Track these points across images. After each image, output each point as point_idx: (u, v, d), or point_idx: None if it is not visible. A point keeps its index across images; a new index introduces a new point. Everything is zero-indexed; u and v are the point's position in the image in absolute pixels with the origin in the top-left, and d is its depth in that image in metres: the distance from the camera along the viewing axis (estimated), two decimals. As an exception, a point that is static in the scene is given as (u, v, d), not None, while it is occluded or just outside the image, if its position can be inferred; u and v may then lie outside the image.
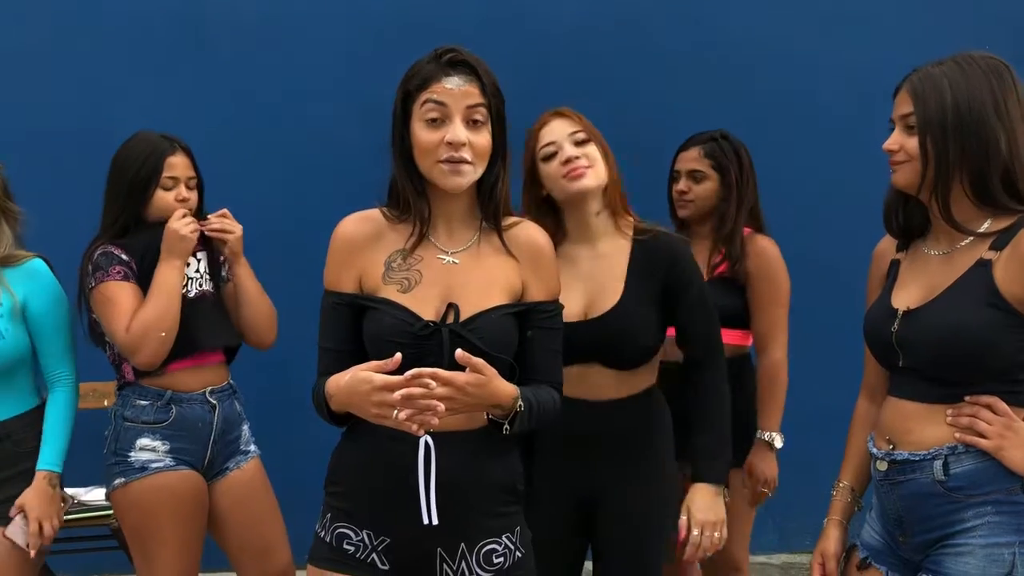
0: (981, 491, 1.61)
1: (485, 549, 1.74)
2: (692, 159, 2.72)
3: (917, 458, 1.66)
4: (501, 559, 1.76)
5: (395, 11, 3.93)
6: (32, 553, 2.26)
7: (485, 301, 1.74)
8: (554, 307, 1.84)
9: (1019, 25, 4.00)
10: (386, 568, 1.73)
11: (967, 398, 1.62)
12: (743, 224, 2.69)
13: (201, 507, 2.41)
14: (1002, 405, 1.60)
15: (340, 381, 1.66)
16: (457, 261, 1.77)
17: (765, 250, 2.66)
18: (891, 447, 1.70)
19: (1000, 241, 1.61)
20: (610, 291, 2.12)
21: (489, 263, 1.79)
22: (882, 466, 1.72)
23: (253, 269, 2.51)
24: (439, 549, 1.72)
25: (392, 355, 1.62)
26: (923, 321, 1.65)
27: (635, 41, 4.04)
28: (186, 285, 2.41)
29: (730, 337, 2.56)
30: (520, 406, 1.69)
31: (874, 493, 1.79)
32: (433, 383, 1.56)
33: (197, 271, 2.46)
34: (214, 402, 2.43)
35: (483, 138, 1.73)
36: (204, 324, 2.43)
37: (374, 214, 1.81)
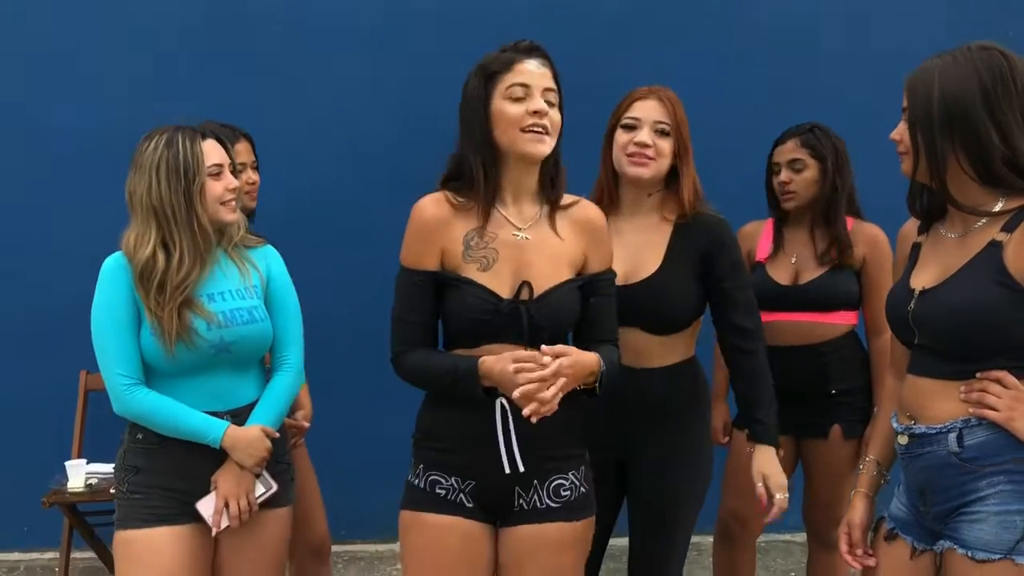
0: (993, 461, 1.67)
1: (554, 484, 1.98)
2: (790, 150, 2.83)
3: (934, 431, 1.73)
4: (568, 492, 1.99)
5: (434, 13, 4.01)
6: (214, 531, 2.16)
7: (554, 277, 1.96)
8: (611, 275, 2.07)
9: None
10: (471, 506, 1.97)
11: (978, 374, 1.69)
12: (844, 211, 2.80)
13: None
14: (1011, 379, 1.66)
15: (495, 367, 1.85)
16: (528, 237, 1.96)
17: (877, 237, 2.80)
18: (912, 422, 1.78)
19: (1011, 223, 1.67)
20: (651, 260, 2.29)
21: (554, 239, 1.98)
22: (903, 440, 1.79)
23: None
24: (516, 487, 1.96)
25: (474, 330, 1.91)
26: (936, 300, 1.72)
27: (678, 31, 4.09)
28: None
29: (843, 317, 2.79)
30: (602, 367, 1.92)
31: (901, 467, 1.86)
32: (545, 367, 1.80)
33: None
34: None
35: (556, 114, 1.95)
36: None
37: (441, 197, 1.98)
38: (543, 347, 1.83)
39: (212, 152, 2.17)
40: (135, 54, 4.00)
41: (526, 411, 1.80)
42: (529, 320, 1.90)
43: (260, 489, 2.18)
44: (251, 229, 2.42)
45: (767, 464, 2.26)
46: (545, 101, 1.92)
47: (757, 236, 2.92)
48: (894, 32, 4.05)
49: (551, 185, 2.00)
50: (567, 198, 2.02)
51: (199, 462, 2.15)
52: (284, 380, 2.27)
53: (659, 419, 2.30)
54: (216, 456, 2.15)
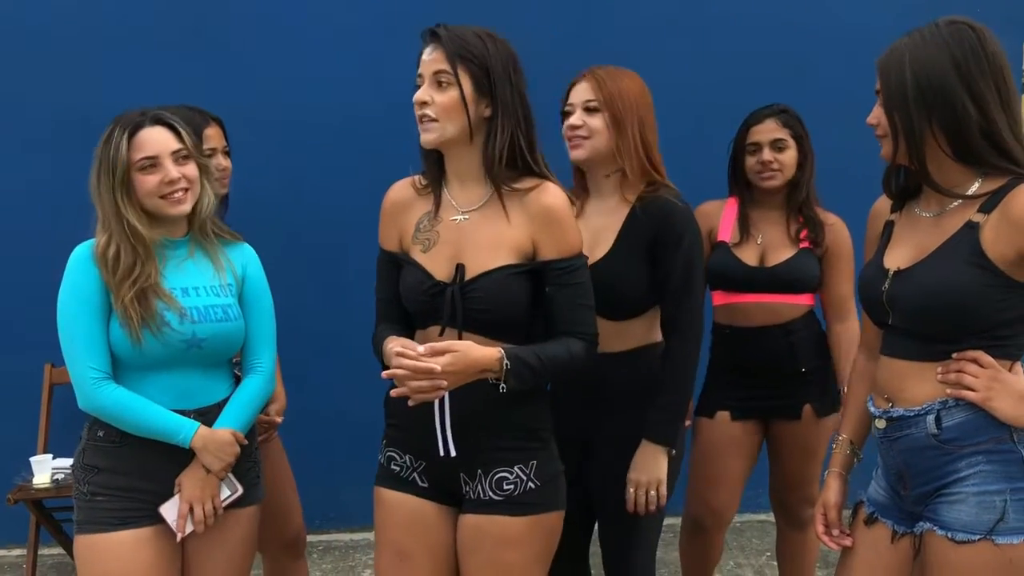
0: (972, 442, 1.67)
1: (497, 476, 1.95)
2: (772, 129, 2.79)
3: (912, 414, 1.72)
4: (511, 487, 1.94)
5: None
6: (178, 537, 2.08)
7: (490, 261, 1.91)
8: (570, 263, 1.94)
9: (1020, 2, 4.02)
10: (425, 486, 1.99)
11: (954, 355, 1.68)
12: (813, 191, 2.82)
13: None
14: (987, 358, 1.66)
15: (386, 347, 1.91)
16: (467, 218, 1.95)
17: (839, 227, 2.81)
18: (889, 405, 1.77)
19: (988, 204, 1.65)
20: (605, 244, 2.27)
21: (498, 223, 1.93)
22: (881, 424, 1.78)
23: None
24: (461, 473, 1.97)
25: (415, 311, 1.98)
26: (911, 281, 1.70)
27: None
28: None
29: (805, 299, 2.81)
30: (507, 364, 1.83)
31: (878, 451, 1.85)
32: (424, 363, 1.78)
33: None
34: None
35: (447, 96, 1.88)
36: None
37: (411, 180, 2.04)
38: (429, 344, 1.80)
39: (146, 143, 2.05)
40: (108, 41, 3.90)
41: (394, 392, 1.83)
42: (456, 304, 1.88)
43: (226, 492, 2.13)
44: (222, 216, 2.37)
45: (637, 456, 2.23)
46: (437, 82, 1.88)
47: (718, 216, 2.87)
48: (863, 5, 4.05)
49: (493, 167, 1.92)
50: (528, 182, 1.94)
51: (162, 462, 2.08)
52: (255, 384, 2.20)
53: (619, 405, 2.28)
54: (178, 456, 2.08)
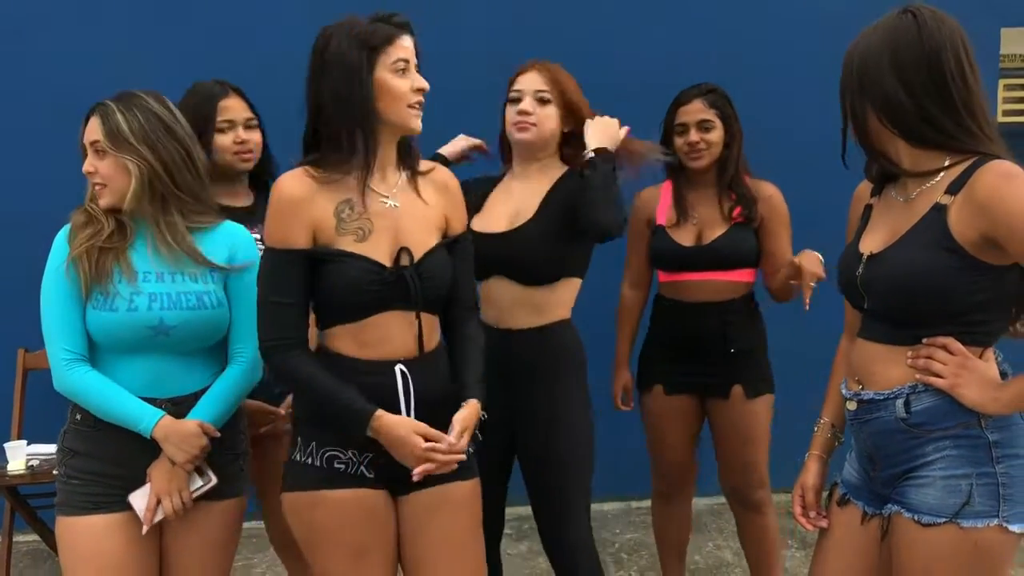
0: (940, 426, 1.69)
1: None
2: (698, 110, 2.84)
3: (882, 397, 1.74)
4: (459, 456, 1.96)
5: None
6: (144, 529, 2.05)
7: (428, 240, 1.99)
8: (468, 236, 2.11)
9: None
10: (372, 477, 1.95)
11: (924, 340, 1.69)
12: (742, 168, 2.88)
13: None
14: (957, 345, 1.67)
15: (393, 432, 1.88)
16: (397, 204, 1.96)
17: (773, 195, 2.89)
18: (860, 387, 1.78)
19: (954, 185, 1.66)
20: (527, 209, 2.46)
21: (420, 204, 2.01)
22: (852, 406, 1.80)
23: None
24: None
25: (360, 302, 1.91)
26: (882, 265, 1.72)
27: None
28: None
29: (742, 275, 2.87)
30: (481, 414, 2.00)
31: (850, 432, 1.87)
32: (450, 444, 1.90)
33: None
34: None
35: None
36: None
37: (302, 172, 1.94)
38: (454, 424, 1.92)
39: (88, 130, 2.07)
40: (93, 23, 3.86)
41: (418, 471, 1.87)
42: (416, 286, 1.93)
43: (197, 483, 2.08)
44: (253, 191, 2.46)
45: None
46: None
47: (656, 200, 2.94)
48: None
49: (408, 153, 2.01)
50: (424, 164, 2.05)
51: (135, 449, 2.05)
52: (235, 374, 2.14)
53: (532, 381, 2.42)
54: (151, 444, 2.04)
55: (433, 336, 2.01)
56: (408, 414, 1.92)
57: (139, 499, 2.05)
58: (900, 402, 1.71)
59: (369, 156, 1.92)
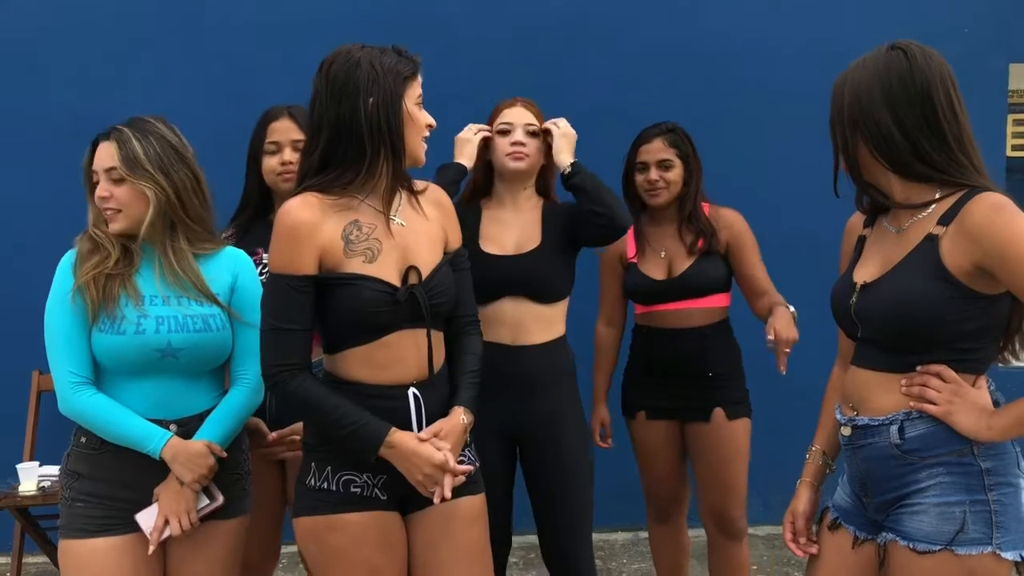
0: (933, 453, 1.70)
1: (458, 460, 2.00)
2: (659, 149, 2.95)
3: (876, 423, 1.75)
4: (469, 467, 2.03)
5: (386, 4, 4.02)
6: (150, 549, 2.06)
7: (433, 257, 2.03)
8: (465, 250, 2.16)
9: (993, 11, 4.07)
10: (385, 499, 1.98)
11: (918, 367, 1.71)
12: (700, 202, 2.98)
13: None
14: (950, 373, 1.69)
15: (408, 446, 1.91)
16: (404, 223, 1.99)
17: (735, 220, 2.99)
18: (855, 413, 1.80)
19: (946, 216, 1.69)
20: (533, 237, 2.64)
21: (423, 221, 2.05)
22: (846, 431, 1.82)
23: None
24: None
25: (372, 324, 1.92)
26: (876, 294, 1.74)
27: (603, 31, 4.11)
28: (264, 272, 2.43)
29: (716, 301, 2.96)
30: (466, 422, 2.02)
31: (843, 458, 1.88)
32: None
33: None
34: None
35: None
36: None
37: (309, 198, 1.93)
38: (444, 446, 1.93)
39: (101, 156, 2.11)
40: (93, 45, 3.94)
41: (437, 497, 1.92)
42: (425, 304, 1.95)
43: (203, 501, 2.10)
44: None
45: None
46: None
47: (625, 238, 2.96)
48: (849, 31, 4.09)
49: (404, 176, 2.05)
50: (418, 184, 2.09)
51: (140, 471, 2.07)
52: (239, 396, 2.17)
53: (540, 394, 2.56)
54: (156, 465, 2.06)
55: (441, 353, 2.05)
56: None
57: (146, 518, 2.07)
58: (894, 428, 1.72)
59: (391, 180, 1.95)
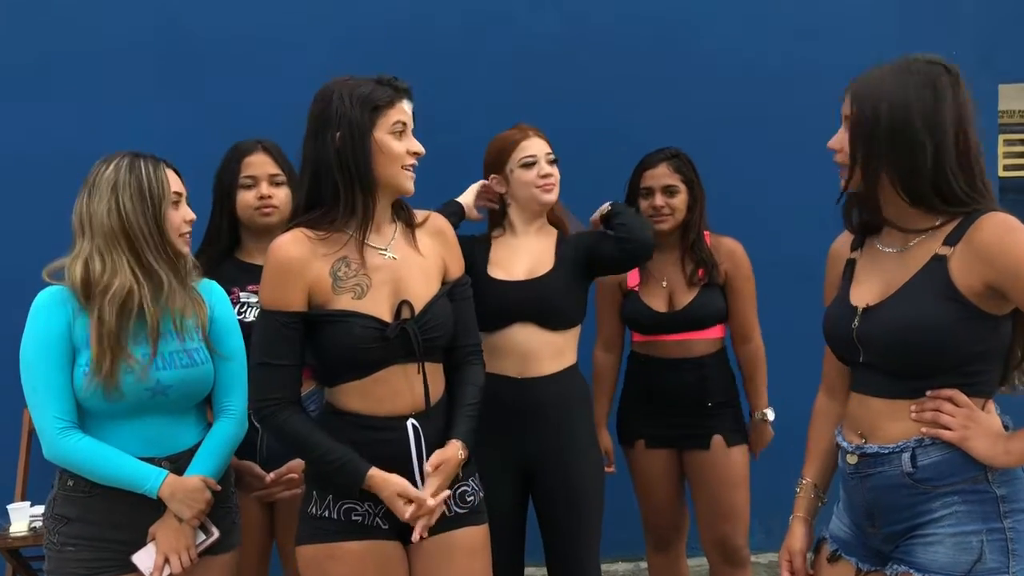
0: (947, 481, 1.66)
1: (460, 491, 2.04)
2: (664, 175, 2.91)
3: (886, 451, 1.71)
4: (472, 498, 2.07)
5: (383, 29, 4.00)
6: None
7: (428, 290, 2.01)
8: (467, 278, 2.14)
9: (982, 31, 4.08)
10: (386, 528, 1.96)
11: (928, 392, 1.67)
12: (703, 230, 2.96)
13: None
14: (962, 397, 1.65)
15: (381, 494, 1.92)
16: (396, 256, 1.98)
17: (736, 251, 2.97)
18: (863, 441, 1.75)
19: (953, 236, 1.65)
20: (545, 263, 2.62)
21: (417, 255, 2.03)
22: (852, 459, 1.76)
23: None
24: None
25: (363, 360, 1.91)
26: (882, 317, 1.70)
27: (606, 49, 4.11)
28: (244, 312, 2.45)
29: (715, 332, 2.95)
30: (461, 456, 2.01)
31: (841, 486, 1.83)
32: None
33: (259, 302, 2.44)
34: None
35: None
36: None
37: (299, 234, 1.94)
38: (427, 488, 1.93)
39: (175, 180, 2.14)
40: (77, 77, 3.91)
41: (415, 535, 1.92)
42: (417, 339, 1.93)
43: (200, 536, 2.09)
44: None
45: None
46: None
47: None
48: (841, 51, 4.10)
49: (400, 207, 2.05)
50: (419, 214, 2.09)
51: (134, 511, 2.03)
52: (226, 428, 2.16)
53: (551, 425, 2.53)
54: (149, 504, 2.03)
55: (439, 385, 2.03)
56: (420, 468, 1.95)
57: (144, 558, 2.04)
58: (906, 456, 1.68)
59: (367, 214, 1.93)
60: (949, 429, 1.65)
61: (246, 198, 2.53)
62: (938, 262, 1.65)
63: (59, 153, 3.67)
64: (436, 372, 2.02)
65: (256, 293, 2.40)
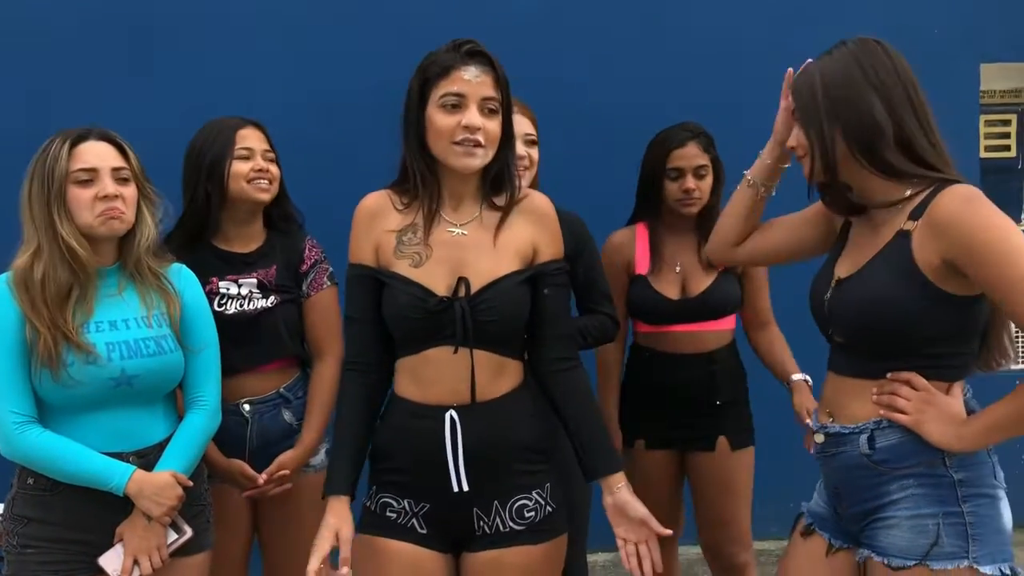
0: (904, 464, 1.64)
1: (517, 504, 1.86)
2: (695, 155, 2.67)
3: (847, 431, 1.70)
4: (532, 513, 1.87)
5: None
6: None
7: (496, 270, 1.85)
8: (563, 264, 1.95)
9: (964, 10, 4.04)
10: (424, 532, 1.86)
11: (889, 375, 1.65)
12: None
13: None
14: (920, 380, 1.63)
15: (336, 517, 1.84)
16: (465, 232, 1.88)
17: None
18: (830, 420, 1.74)
19: (917, 211, 1.62)
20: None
21: (495, 233, 1.88)
22: (819, 438, 1.76)
23: None
24: (475, 509, 1.85)
25: (410, 332, 1.83)
26: (846, 293, 1.68)
27: (600, 34, 4.06)
28: (224, 304, 2.34)
29: (727, 323, 2.77)
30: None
31: (818, 465, 1.82)
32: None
33: (239, 292, 2.37)
34: (247, 416, 2.36)
35: (495, 125, 1.85)
36: (241, 342, 2.34)
37: (384, 193, 1.93)
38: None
39: (87, 154, 1.97)
40: (30, 61, 3.85)
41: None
42: (466, 318, 1.79)
43: (172, 536, 2.00)
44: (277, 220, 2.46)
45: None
46: (486, 109, 1.83)
47: (631, 245, 2.77)
48: (822, 33, 4.06)
49: (494, 189, 1.91)
50: (525, 191, 1.96)
51: (97, 510, 1.95)
52: (197, 420, 2.07)
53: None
54: (115, 502, 1.94)
55: (495, 380, 1.85)
56: (456, 466, 1.82)
57: (111, 560, 1.96)
58: (864, 437, 1.67)
59: (433, 188, 1.87)
60: (904, 412, 1.63)
61: (241, 168, 2.36)
62: (903, 237, 1.62)
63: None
64: (491, 362, 1.84)
65: (235, 283, 2.37)
